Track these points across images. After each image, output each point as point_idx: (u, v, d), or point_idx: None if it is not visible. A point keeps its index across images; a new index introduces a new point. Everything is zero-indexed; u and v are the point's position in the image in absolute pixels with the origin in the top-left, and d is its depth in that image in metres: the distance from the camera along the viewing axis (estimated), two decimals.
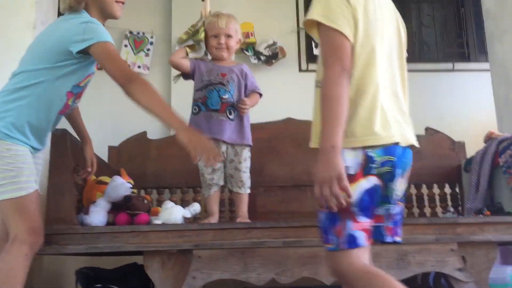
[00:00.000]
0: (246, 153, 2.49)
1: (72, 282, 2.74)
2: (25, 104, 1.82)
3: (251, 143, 2.52)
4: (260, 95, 2.60)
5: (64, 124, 2.75)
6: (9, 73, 2.56)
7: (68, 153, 2.12)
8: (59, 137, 2.15)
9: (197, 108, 2.48)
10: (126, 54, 3.60)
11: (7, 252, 1.74)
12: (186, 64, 2.50)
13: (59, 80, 1.86)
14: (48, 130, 1.98)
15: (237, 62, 2.66)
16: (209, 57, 2.60)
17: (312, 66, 3.71)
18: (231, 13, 2.60)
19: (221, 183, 2.47)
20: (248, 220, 2.37)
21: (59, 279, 3.14)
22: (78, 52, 1.81)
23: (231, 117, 2.45)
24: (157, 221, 2.16)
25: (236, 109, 2.47)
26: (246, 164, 2.48)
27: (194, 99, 2.52)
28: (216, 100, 2.45)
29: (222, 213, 3.00)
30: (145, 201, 2.25)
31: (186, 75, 2.57)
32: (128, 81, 1.79)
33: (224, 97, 2.45)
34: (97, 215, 2.16)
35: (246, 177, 2.47)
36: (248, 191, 2.50)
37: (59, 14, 3.04)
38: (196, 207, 2.27)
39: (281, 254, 2.11)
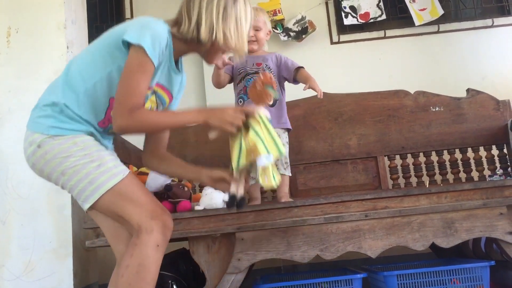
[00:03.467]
0: (286, 138, 2.53)
1: None
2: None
3: (290, 127, 2.55)
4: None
5: None
6: (42, 73, 2.66)
7: None
8: None
9: (242, 100, 2.53)
10: None
11: (134, 246, 1.43)
12: (227, 78, 2.57)
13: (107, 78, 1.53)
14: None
15: (268, 51, 2.67)
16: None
17: (343, 37, 3.64)
18: (258, 6, 2.65)
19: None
20: (290, 199, 2.38)
21: (113, 270, 3.26)
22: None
23: (270, 103, 2.45)
24: (199, 207, 2.20)
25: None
26: (286, 149, 2.52)
27: (236, 92, 2.57)
28: None
29: (264, 193, 3.03)
30: (186, 189, 2.28)
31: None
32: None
33: None
34: None
35: (288, 159, 2.52)
36: (290, 173, 2.53)
37: (88, 11, 3.12)
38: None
39: (324, 230, 2.11)
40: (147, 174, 2.35)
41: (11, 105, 2.64)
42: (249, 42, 2.49)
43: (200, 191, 2.76)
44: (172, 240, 2.21)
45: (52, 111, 1.51)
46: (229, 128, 1.52)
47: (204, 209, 2.17)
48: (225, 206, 1.94)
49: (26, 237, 2.52)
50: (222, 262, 2.12)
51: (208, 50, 1.60)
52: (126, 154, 2.49)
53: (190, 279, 2.57)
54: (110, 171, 1.46)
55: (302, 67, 2.57)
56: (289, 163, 2.51)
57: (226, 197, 2.23)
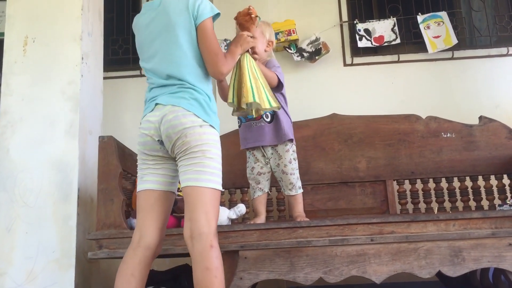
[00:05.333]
0: (290, 155, 2.44)
1: None
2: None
3: (291, 137, 2.44)
4: (279, 81, 2.42)
5: (111, 130, 2.84)
6: (56, 83, 2.69)
7: (114, 159, 2.18)
8: (106, 143, 2.22)
9: (239, 121, 2.51)
10: None
11: (215, 249, 1.68)
12: None
13: None
14: None
15: (267, 60, 2.52)
16: None
17: (357, 60, 3.64)
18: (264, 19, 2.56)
19: (266, 189, 2.49)
20: (307, 219, 2.34)
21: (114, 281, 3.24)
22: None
23: (268, 120, 2.44)
24: None
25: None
26: (292, 166, 2.44)
27: None
28: None
29: (270, 212, 3.00)
30: None
31: None
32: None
33: None
34: None
35: (294, 178, 2.45)
36: (300, 190, 2.48)
37: (105, 25, 3.17)
38: (241, 208, 2.27)
39: (328, 253, 2.08)
40: None
41: (23, 114, 2.66)
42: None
43: None
44: (174, 255, 2.22)
45: (212, 106, 1.85)
46: (251, 44, 2.07)
47: None
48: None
49: (30, 245, 2.52)
50: (224, 281, 2.09)
51: None
52: (134, 166, 2.48)
53: None
54: (220, 178, 1.78)
55: (277, 73, 2.42)
56: (294, 183, 2.43)
57: (231, 213, 2.23)
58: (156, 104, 1.82)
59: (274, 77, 2.38)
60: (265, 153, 2.46)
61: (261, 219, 2.41)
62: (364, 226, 2.09)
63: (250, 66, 2.10)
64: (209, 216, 1.70)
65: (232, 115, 2.22)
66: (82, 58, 2.74)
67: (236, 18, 2.13)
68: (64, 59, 2.72)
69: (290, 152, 2.45)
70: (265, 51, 2.48)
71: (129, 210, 2.34)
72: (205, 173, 1.72)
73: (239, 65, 2.10)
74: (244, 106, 2.06)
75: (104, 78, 3.10)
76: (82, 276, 2.57)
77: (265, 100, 2.08)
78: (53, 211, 2.55)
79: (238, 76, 2.09)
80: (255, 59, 2.27)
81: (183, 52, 1.82)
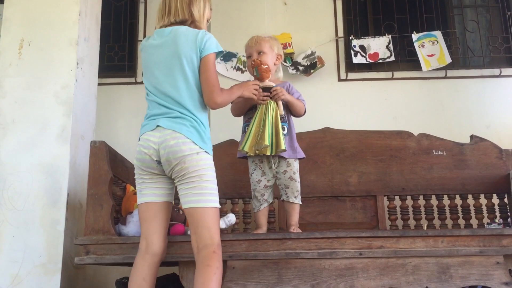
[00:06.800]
0: (297, 165, 2.45)
1: None
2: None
3: (303, 156, 2.48)
4: (304, 108, 2.53)
5: (103, 136, 2.83)
6: (50, 87, 2.69)
7: (105, 165, 2.17)
8: (98, 148, 2.21)
9: (248, 127, 2.43)
10: None
11: (217, 256, 1.87)
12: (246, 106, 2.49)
13: None
14: None
15: (282, 80, 2.61)
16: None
17: (351, 75, 3.67)
18: (270, 33, 2.66)
19: (271, 200, 2.46)
20: (299, 230, 2.34)
21: None
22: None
23: (284, 132, 2.39)
24: None
25: (286, 122, 2.43)
26: (298, 175, 2.44)
27: (245, 120, 2.50)
28: None
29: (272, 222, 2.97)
30: (181, 212, 2.27)
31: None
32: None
33: None
34: (134, 226, 2.20)
35: (299, 187, 2.44)
36: (301, 202, 2.45)
37: (102, 31, 3.18)
38: (231, 218, 2.27)
39: (316, 265, 2.08)
40: None
41: (15, 116, 2.65)
42: (253, 66, 2.40)
43: None
44: (162, 264, 2.20)
45: (207, 134, 2.04)
46: (252, 96, 2.28)
47: None
48: None
49: (17, 249, 2.49)
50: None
51: None
52: (125, 172, 2.48)
53: None
54: (217, 196, 1.98)
55: (303, 101, 2.51)
56: (299, 191, 2.43)
57: (221, 223, 2.22)
58: (157, 125, 1.97)
59: (302, 107, 2.52)
60: (272, 164, 2.41)
61: (263, 230, 2.38)
62: (353, 240, 2.09)
63: (275, 114, 2.33)
64: (211, 231, 1.90)
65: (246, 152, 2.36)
66: (77, 63, 2.74)
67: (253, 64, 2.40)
68: (59, 63, 2.72)
69: (297, 162, 2.45)
70: (274, 64, 2.52)
71: (118, 217, 2.32)
72: (204, 194, 1.92)
73: (263, 112, 2.32)
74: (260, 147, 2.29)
75: (99, 84, 3.10)
76: (68, 282, 2.55)
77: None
78: (41, 215, 2.53)
79: (260, 122, 2.32)
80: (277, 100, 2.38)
81: (186, 79, 2.00)
